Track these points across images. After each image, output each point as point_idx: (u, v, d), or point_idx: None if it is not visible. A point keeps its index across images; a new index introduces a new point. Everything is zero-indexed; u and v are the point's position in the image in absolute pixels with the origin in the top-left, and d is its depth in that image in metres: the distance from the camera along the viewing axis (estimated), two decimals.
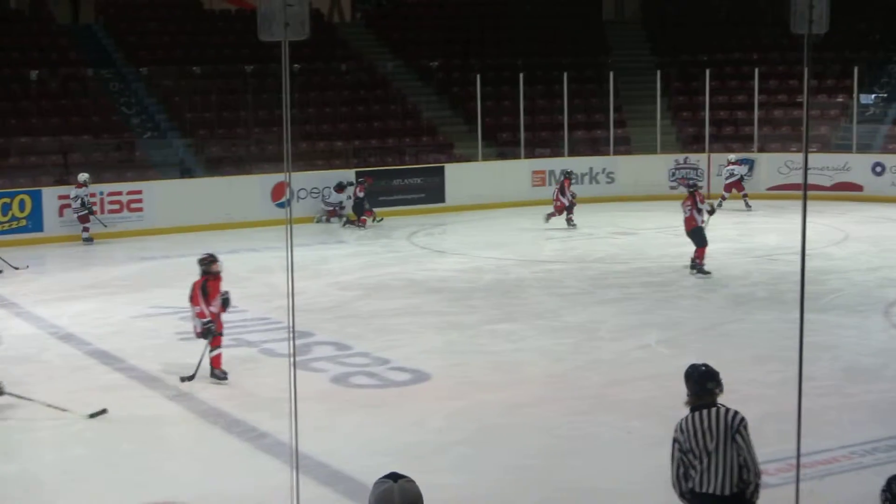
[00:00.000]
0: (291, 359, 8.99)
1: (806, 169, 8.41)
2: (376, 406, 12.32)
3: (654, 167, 29.75)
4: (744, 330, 15.47)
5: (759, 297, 17.59)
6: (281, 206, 25.65)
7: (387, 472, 4.15)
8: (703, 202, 19.31)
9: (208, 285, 12.85)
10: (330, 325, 15.96)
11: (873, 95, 32.08)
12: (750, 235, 23.62)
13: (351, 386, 13.07)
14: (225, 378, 13.00)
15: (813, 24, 7.05)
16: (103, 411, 11.76)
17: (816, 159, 28.68)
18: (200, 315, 12.85)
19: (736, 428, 7.01)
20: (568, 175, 25.73)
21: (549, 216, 24.79)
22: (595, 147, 30.59)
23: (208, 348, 13.00)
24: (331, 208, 26.42)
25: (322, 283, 19.10)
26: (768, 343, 14.45)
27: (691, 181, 21.83)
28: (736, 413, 7.09)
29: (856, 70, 30.19)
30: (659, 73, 30.90)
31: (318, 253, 22.09)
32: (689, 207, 19.10)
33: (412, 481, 4.14)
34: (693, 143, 31.02)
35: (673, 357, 14.26)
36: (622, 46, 34.98)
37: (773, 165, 29.46)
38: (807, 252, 7.57)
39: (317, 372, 13.47)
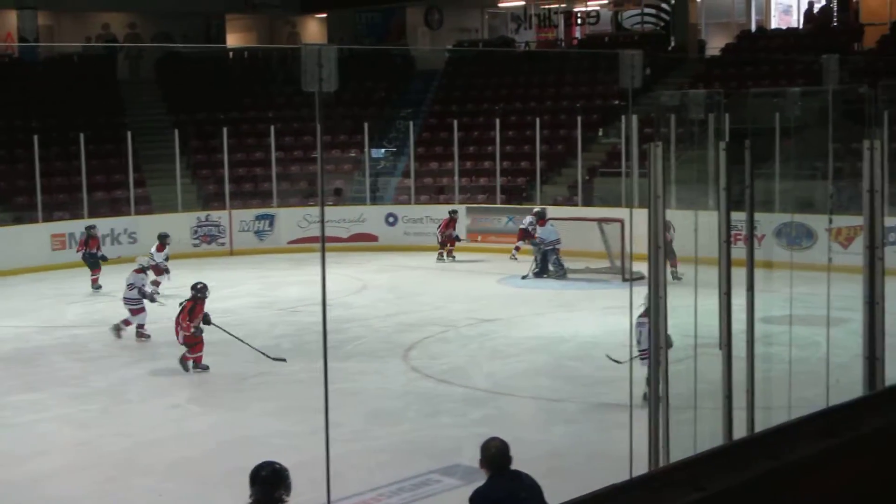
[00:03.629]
0: None
1: (323, 221, 8.70)
2: None
3: (177, 225, 29.52)
4: (271, 382, 15.67)
5: (285, 349, 17.87)
6: None
7: None
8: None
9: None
10: None
11: (383, 150, 33.59)
12: (272, 289, 23.94)
13: None
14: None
15: (323, 82, 7.32)
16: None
17: (333, 212, 29.59)
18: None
19: None
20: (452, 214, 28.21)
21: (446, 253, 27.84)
22: (116, 208, 29.99)
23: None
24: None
25: None
26: (295, 394, 14.71)
27: None
28: None
29: (366, 126, 31.55)
30: (177, 131, 30.80)
31: None
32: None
33: None
34: (214, 200, 31.12)
35: (203, 414, 14.27)
36: (138, 106, 34.56)
37: (292, 220, 30.10)
38: (328, 302, 7.80)
39: None
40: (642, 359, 13.14)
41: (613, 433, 11.55)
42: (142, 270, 19.81)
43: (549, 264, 24.50)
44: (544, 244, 24.55)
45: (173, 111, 34.12)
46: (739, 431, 8.25)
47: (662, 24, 37.86)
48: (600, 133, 31.38)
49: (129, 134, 29.92)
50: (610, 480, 3.55)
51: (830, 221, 22.05)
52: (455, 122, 31.16)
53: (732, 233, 8.60)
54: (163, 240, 24.27)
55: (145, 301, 18.92)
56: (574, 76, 34.45)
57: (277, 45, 41.71)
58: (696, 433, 8.74)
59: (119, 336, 18.61)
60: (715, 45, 36.60)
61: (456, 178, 30.65)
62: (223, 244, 29.92)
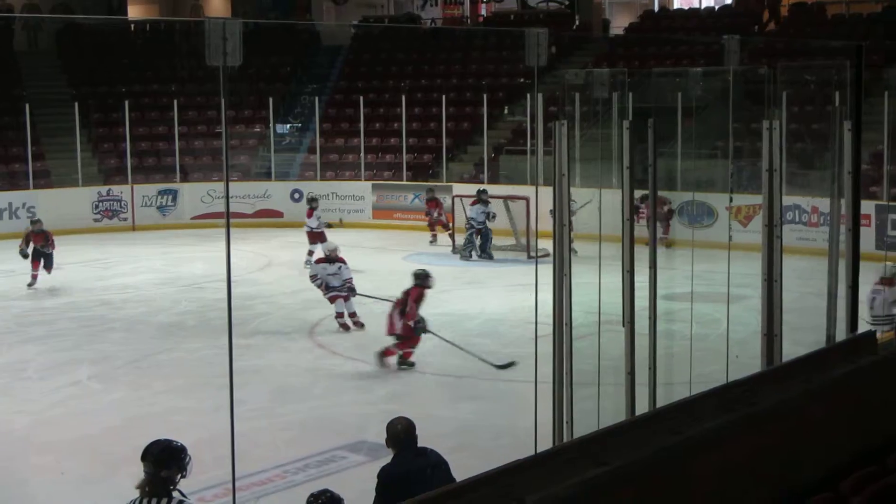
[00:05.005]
0: None
1: (228, 197, 8.65)
2: None
3: (77, 200, 29.12)
4: (175, 360, 15.54)
5: (189, 326, 17.73)
6: None
7: None
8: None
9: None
10: None
11: (288, 125, 33.39)
12: (176, 265, 23.69)
13: None
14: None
15: (227, 56, 7.24)
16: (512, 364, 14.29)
17: (238, 188, 29.37)
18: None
19: None
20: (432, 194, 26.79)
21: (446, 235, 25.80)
22: (14, 181, 29.45)
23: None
24: None
25: None
26: (199, 371, 14.60)
27: None
28: None
29: (270, 101, 31.34)
30: (77, 104, 30.30)
31: None
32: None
33: None
34: (116, 174, 30.70)
35: (104, 392, 14.11)
36: (37, 78, 33.91)
37: (196, 195, 29.80)
38: (232, 279, 7.75)
39: None
40: (873, 325, 13.13)
41: (519, 409, 11.65)
42: (324, 260, 17.62)
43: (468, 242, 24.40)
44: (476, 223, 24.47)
45: (73, 84, 33.55)
46: (642, 407, 8.39)
47: (567, 2, 38.08)
48: (506, 111, 31.49)
49: (27, 106, 29.39)
50: (515, 456, 3.61)
51: (731, 200, 22.41)
52: (361, 99, 31.10)
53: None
54: (312, 203, 23.40)
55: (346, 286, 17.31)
56: (480, 54, 34.54)
57: (181, 18, 41.11)
58: (599, 409, 8.86)
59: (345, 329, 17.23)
60: (619, 24, 36.93)
61: (362, 154, 30.58)
62: (125, 219, 29.56)
